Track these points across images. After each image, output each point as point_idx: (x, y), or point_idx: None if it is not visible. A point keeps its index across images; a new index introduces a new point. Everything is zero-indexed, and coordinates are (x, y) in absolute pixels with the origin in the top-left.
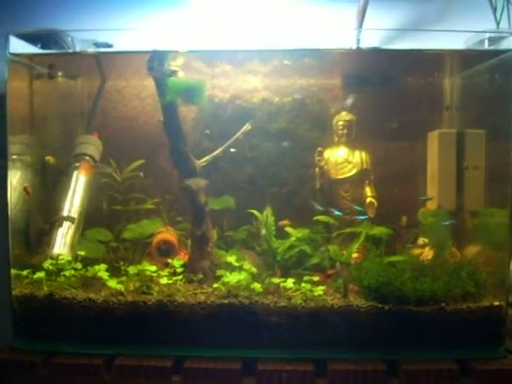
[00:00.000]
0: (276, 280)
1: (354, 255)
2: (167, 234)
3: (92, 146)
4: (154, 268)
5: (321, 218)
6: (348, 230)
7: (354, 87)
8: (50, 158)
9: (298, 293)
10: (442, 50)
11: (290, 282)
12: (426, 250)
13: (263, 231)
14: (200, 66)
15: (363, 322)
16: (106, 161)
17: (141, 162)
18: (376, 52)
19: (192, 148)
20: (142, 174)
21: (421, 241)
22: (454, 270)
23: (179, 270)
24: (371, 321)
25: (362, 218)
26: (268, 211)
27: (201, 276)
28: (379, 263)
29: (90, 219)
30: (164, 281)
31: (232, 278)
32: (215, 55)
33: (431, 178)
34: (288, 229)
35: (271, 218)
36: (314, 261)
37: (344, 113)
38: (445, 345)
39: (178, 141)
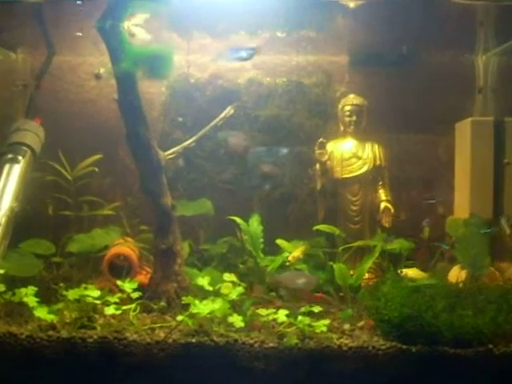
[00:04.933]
0: (263, 311)
1: (365, 276)
2: (124, 247)
3: (31, 133)
4: (96, 293)
5: (322, 227)
6: (358, 243)
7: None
8: None
9: (293, 329)
10: None
11: (282, 315)
12: (456, 268)
13: (248, 245)
14: (172, 38)
15: (382, 368)
16: (51, 154)
17: (97, 156)
18: None
19: (160, 139)
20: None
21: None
22: (501, 297)
23: (134, 294)
24: (393, 367)
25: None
26: (255, 219)
27: (163, 303)
28: (403, 288)
29: (27, 227)
30: (110, 311)
31: (203, 307)
32: None
33: (460, 177)
34: (280, 242)
35: (259, 228)
36: None
37: (352, 96)
38: None
39: (137, 123)
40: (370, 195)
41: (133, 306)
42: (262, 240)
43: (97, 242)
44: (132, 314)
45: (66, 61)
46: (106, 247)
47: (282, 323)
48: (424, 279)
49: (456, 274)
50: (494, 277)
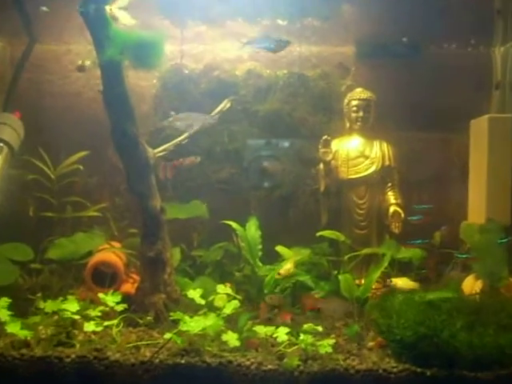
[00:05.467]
0: (261, 329)
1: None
2: (110, 254)
3: (9, 128)
4: (75, 307)
5: (326, 233)
6: (365, 251)
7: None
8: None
9: (295, 348)
10: None
11: (282, 333)
12: (470, 278)
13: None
14: (164, 25)
15: None
16: (33, 150)
17: (83, 153)
18: None
19: (151, 135)
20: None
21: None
22: None
23: (118, 307)
24: None
25: None
26: (253, 223)
27: (150, 318)
28: (416, 304)
29: (4, 230)
30: (90, 327)
31: (194, 324)
32: None
33: (475, 179)
34: (280, 248)
35: (257, 233)
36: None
37: (359, 89)
38: None
39: (124, 117)
40: (378, 198)
41: (115, 321)
42: (260, 246)
43: (80, 247)
44: (115, 329)
45: (50, 50)
46: (90, 253)
47: (283, 342)
48: (437, 293)
49: (470, 285)
50: None
